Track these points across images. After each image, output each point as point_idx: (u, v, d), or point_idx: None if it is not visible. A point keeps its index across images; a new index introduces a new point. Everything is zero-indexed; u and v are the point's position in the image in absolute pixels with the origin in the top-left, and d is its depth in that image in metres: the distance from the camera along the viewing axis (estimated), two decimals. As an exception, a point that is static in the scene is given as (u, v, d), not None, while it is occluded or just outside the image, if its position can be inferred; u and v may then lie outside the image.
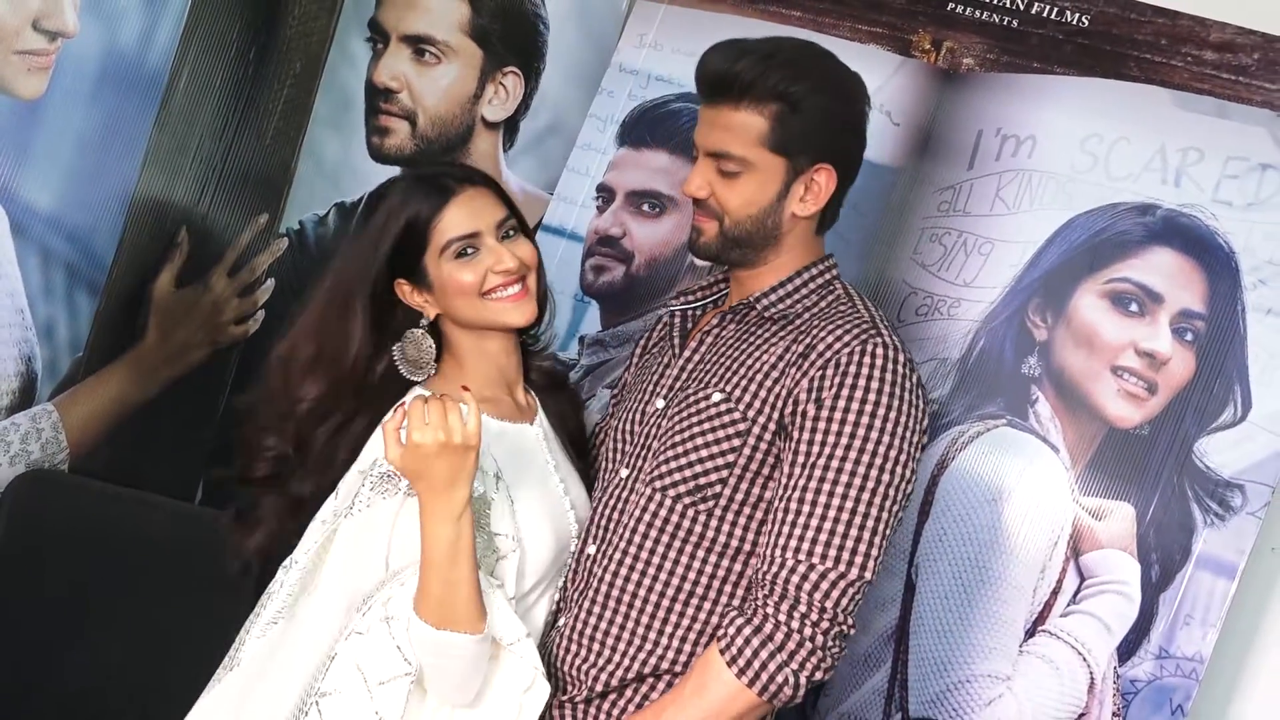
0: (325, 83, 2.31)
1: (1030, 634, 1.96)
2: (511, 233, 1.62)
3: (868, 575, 1.49)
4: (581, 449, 1.75)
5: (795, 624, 1.48)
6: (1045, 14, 2.13)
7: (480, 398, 1.59)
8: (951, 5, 2.18)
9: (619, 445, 1.68)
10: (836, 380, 1.51)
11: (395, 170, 2.38)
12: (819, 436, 1.51)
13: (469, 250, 1.58)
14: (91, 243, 2.11)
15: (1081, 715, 1.91)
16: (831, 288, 1.63)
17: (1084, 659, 1.92)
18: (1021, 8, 2.15)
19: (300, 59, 2.28)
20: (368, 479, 1.52)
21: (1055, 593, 1.96)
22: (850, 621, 1.50)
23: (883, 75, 2.18)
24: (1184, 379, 1.94)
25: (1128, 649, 1.91)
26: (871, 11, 2.19)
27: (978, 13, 2.16)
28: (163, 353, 2.20)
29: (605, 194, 2.36)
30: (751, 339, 1.62)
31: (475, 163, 2.45)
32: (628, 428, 1.68)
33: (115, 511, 2.09)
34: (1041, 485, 1.99)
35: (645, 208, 2.37)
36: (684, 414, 1.60)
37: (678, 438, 1.58)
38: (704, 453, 1.56)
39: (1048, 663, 1.94)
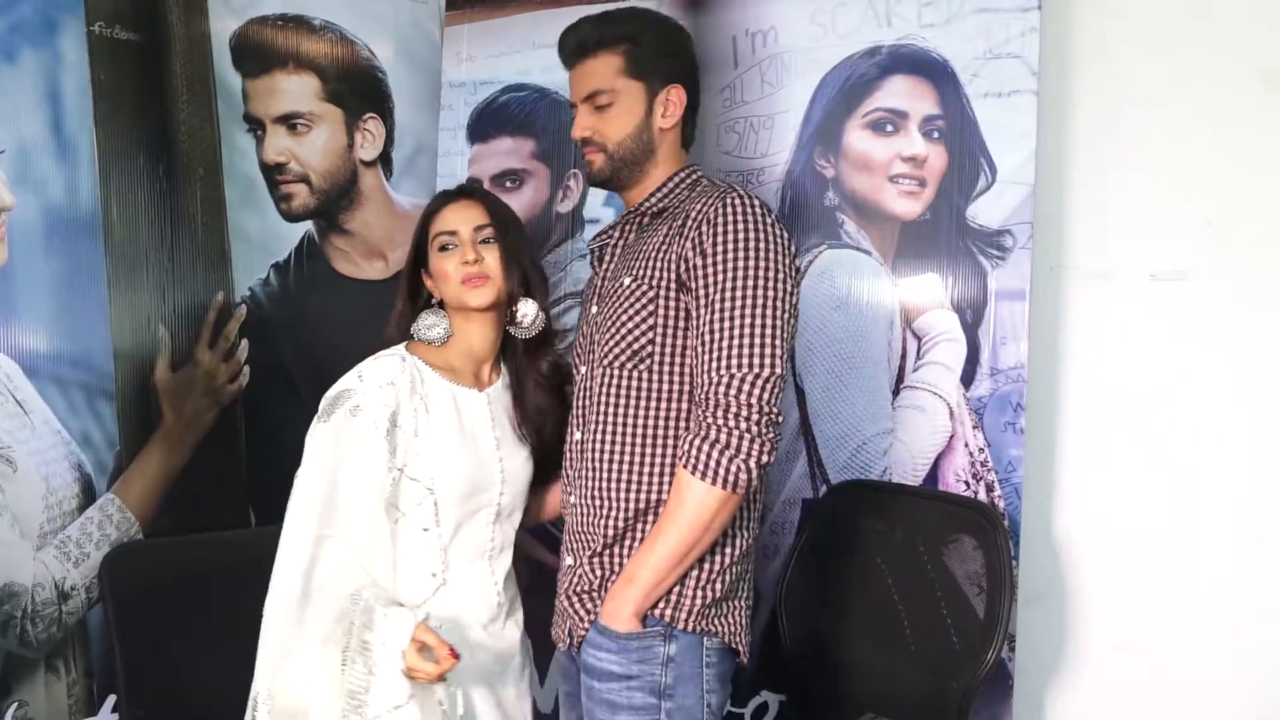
0: (228, 175, 2.39)
1: (896, 394, 2.21)
2: (488, 240, 1.83)
3: (778, 369, 1.61)
4: (545, 439, 1.89)
5: (732, 423, 1.60)
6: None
7: (448, 366, 1.85)
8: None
9: (579, 353, 1.85)
10: (709, 232, 1.66)
11: (309, 225, 2.54)
12: (711, 278, 1.65)
13: (449, 245, 1.84)
14: (92, 361, 2.20)
15: (952, 437, 2.16)
16: (698, 182, 1.81)
17: (940, 396, 2.17)
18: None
19: (201, 164, 2.36)
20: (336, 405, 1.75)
21: (903, 356, 2.21)
22: (775, 410, 1.62)
23: (644, 22, 2.40)
24: (942, 168, 2.17)
25: (968, 377, 2.14)
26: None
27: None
28: (182, 424, 2.31)
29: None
30: (644, 234, 1.80)
31: (367, 197, 2.60)
32: (581, 339, 1.85)
33: (192, 555, 2.21)
34: (867, 282, 2.25)
35: (507, 184, 2.57)
36: (609, 304, 1.77)
37: (609, 323, 1.75)
38: (630, 325, 1.72)
39: (916, 409, 2.19)
